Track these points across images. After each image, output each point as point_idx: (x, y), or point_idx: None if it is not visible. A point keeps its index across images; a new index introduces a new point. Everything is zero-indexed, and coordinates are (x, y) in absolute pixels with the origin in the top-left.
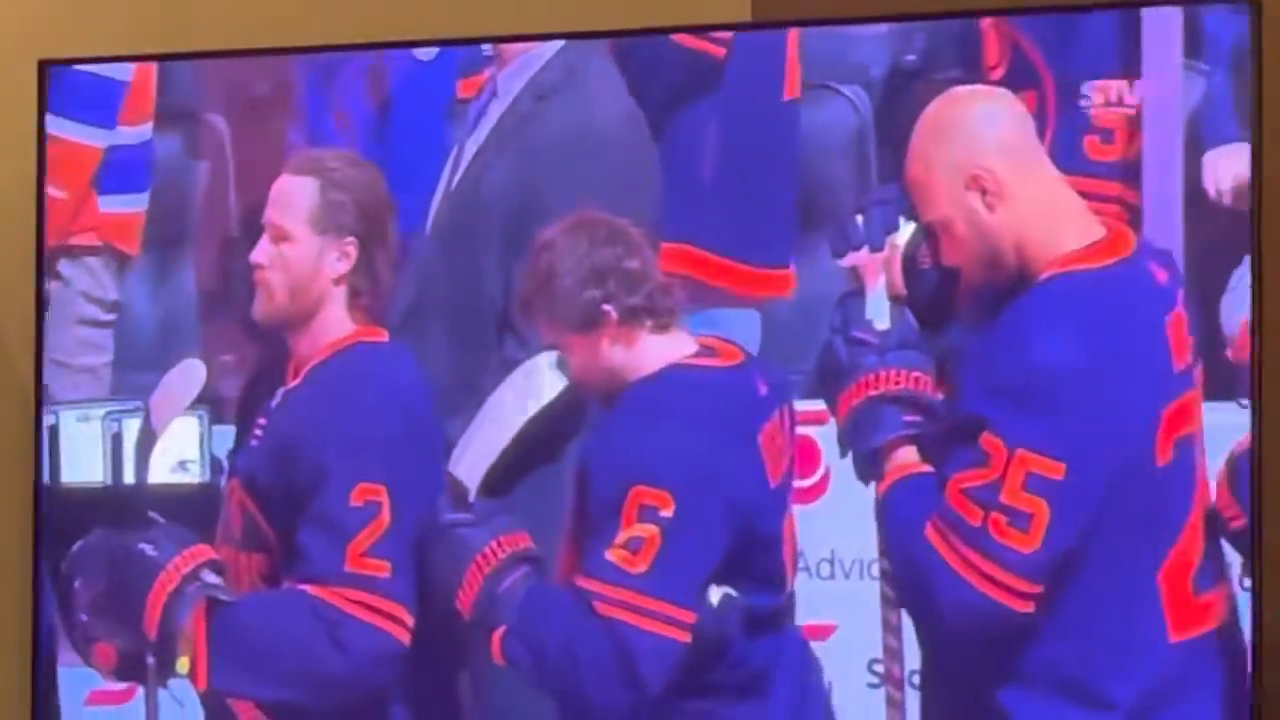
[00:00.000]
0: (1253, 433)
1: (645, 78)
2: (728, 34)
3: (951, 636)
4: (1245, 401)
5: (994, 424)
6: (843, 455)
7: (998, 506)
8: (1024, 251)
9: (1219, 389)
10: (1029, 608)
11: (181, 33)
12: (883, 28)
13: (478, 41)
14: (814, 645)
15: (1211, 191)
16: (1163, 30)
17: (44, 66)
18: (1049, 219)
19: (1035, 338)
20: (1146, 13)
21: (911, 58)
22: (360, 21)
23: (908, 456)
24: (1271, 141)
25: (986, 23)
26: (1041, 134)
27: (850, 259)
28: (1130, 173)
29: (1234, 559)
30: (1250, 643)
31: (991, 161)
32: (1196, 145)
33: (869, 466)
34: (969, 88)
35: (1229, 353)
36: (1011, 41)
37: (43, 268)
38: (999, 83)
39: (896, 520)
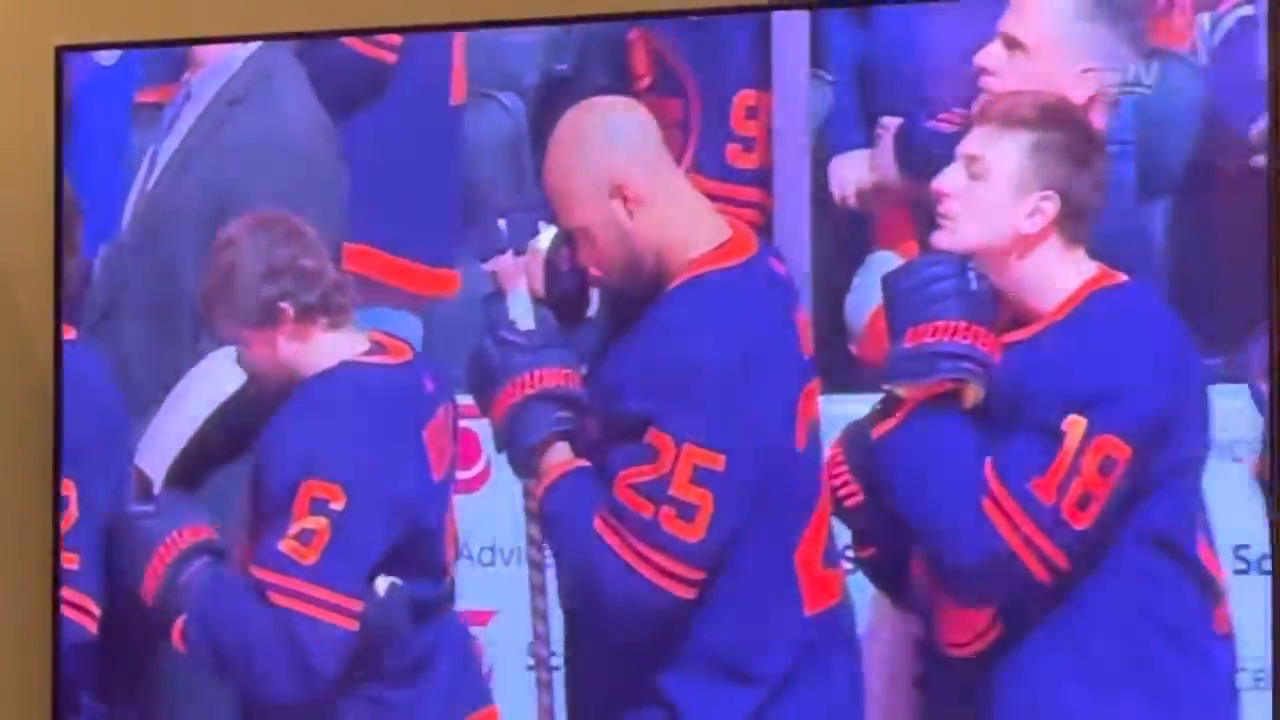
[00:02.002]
0: (1269, 424)
1: (326, 83)
2: (398, 39)
3: (619, 623)
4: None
5: (658, 420)
6: (499, 451)
7: (668, 499)
8: (662, 254)
9: (842, 382)
10: (691, 594)
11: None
12: (532, 36)
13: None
14: (476, 630)
15: (837, 196)
16: (791, 41)
17: (60, 53)
18: (684, 223)
19: (685, 335)
20: (777, 25)
21: (563, 67)
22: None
23: (562, 453)
24: None
25: (634, 34)
26: (686, 141)
27: (493, 263)
28: (767, 178)
29: (844, 535)
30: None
31: (630, 170)
32: (823, 151)
33: (525, 463)
34: (599, 98)
35: (853, 348)
36: (657, 52)
37: (61, 255)
38: (646, 91)
39: (561, 515)
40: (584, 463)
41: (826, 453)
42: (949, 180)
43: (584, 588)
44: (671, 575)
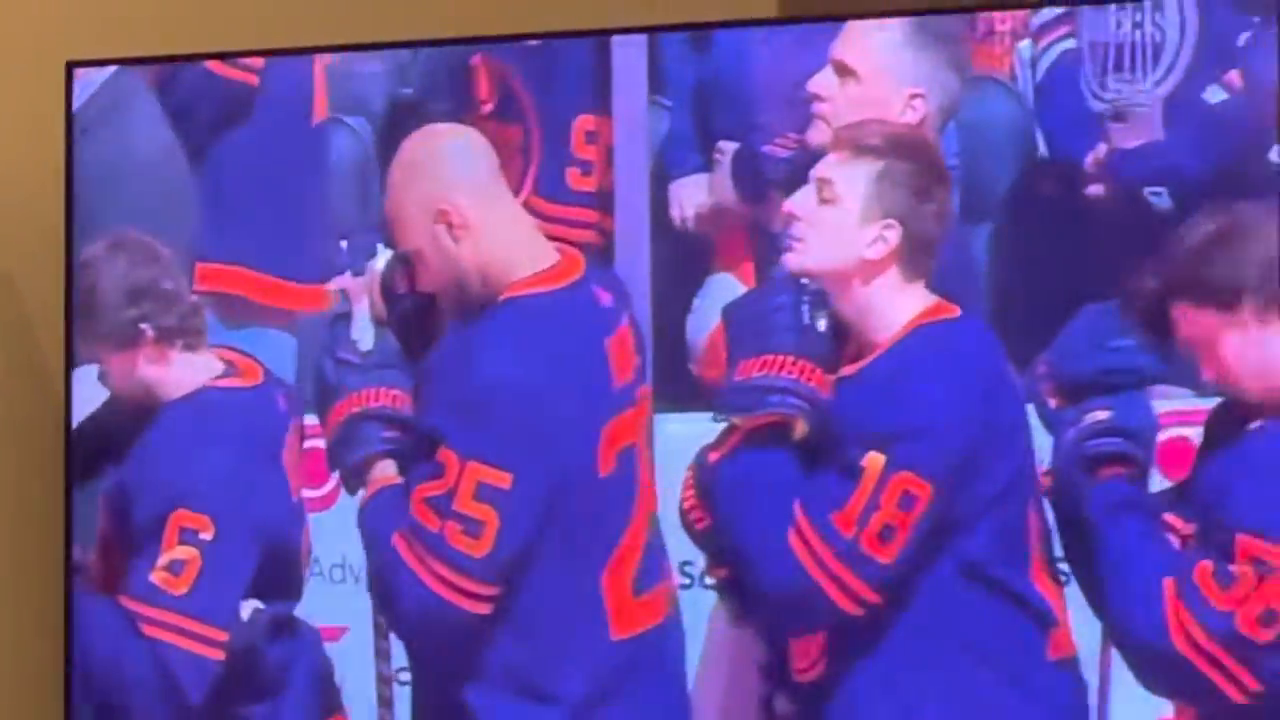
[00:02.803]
0: None
1: (186, 106)
2: (260, 61)
3: (422, 638)
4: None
5: (449, 438)
6: (332, 469)
7: (452, 514)
8: (487, 278)
9: (682, 401)
10: (485, 609)
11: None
12: (380, 63)
13: None
14: (329, 646)
15: (676, 219)
16: (630, 67)
17: (70, 68)
18: (507, 248)
19: (485, 356)
20: (616, 51)
21: (408, 92)
22: None
23: (386, 470)
24: None
25: (477, 59)
26: (528, 165)
27: (335, 283)
28: (607, 201)
29: (696, 556)
30: None
31: (456, 196)
32: (662, 175)
33: (354, 479)
34: (435, 125)
35: (693, 368)
36: (500, 77)
37: (72, 267)
38: (489, 116)
39: (371, 530)
40: (398, 481)
41: (683, 475)
42: (800, 203)
43: (390, 602)
44: (460, 590)
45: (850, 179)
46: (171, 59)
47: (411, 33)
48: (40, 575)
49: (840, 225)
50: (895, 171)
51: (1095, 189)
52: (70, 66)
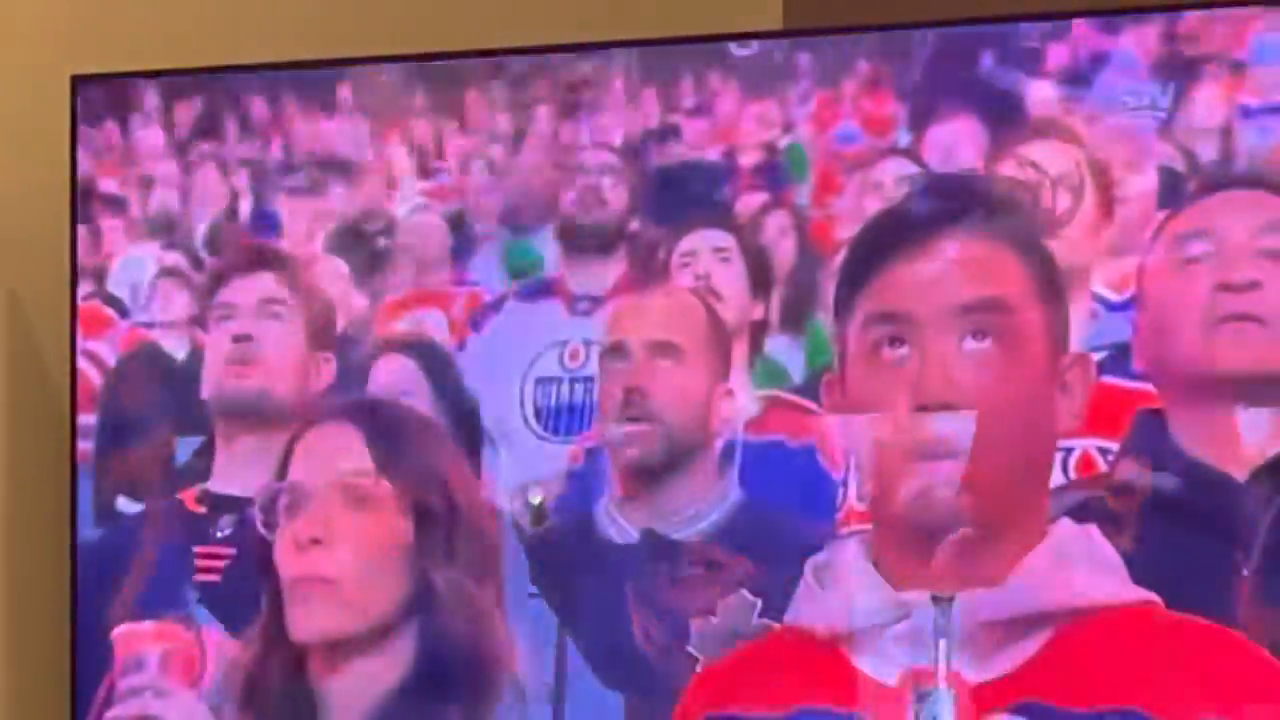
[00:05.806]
0: None
1: None
2: None
3: None
4: None
5: None
6: None
7: None
8: None
9: None
10: None
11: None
12: None
13: None
14: None
15: None
16: None
17: (76, 81)
18: None
19: None
20: None
21: None
22: None
23: None
24: None
25: None
26: None
27: None
28: None
29: None
30: None
31: None
32: None
33: None
34: None
35: None
36: None
37: (76, 279)
38: None
39: None
40: None
41: None
42: None
43: None
44: None
45: None
46: (175, 72)
47: None
48: (44, 590)
49: None
50: None
51: None
52: (75, 81)
